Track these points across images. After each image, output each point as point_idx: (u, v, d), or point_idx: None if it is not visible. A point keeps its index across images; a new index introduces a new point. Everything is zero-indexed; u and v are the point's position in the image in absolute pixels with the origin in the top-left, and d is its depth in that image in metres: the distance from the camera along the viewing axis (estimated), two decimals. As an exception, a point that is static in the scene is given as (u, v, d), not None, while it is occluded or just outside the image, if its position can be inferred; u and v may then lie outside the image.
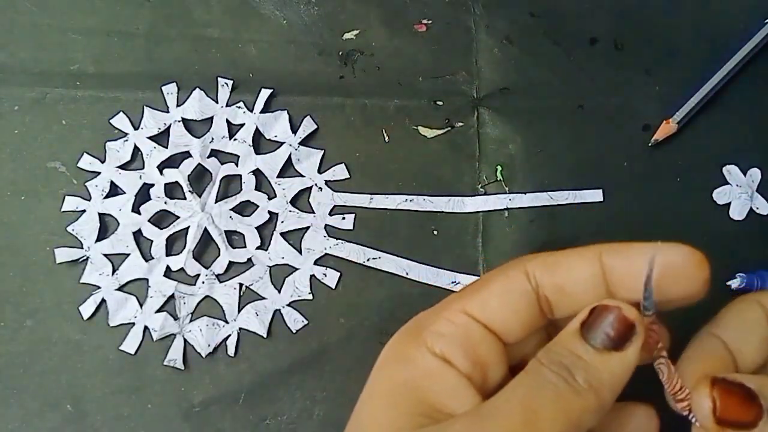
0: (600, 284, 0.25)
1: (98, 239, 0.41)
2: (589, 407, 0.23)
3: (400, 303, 0.42)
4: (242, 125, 0.43)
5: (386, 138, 0.44)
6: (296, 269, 0.42)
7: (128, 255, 0.41)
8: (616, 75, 0.46)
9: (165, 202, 0.41)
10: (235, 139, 0.43)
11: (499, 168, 0.44)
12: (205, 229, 0.41)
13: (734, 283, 0.42)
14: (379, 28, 0.45)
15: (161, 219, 0.42)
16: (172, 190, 0.42)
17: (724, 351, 0.27)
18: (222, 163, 0.42)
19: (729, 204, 0.44)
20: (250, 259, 0.42)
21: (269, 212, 0.42)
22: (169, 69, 0.43)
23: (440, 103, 0.44)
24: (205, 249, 0.42)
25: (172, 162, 0.42)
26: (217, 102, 0.43)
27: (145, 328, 0.40)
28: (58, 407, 0.40)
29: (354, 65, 0.45)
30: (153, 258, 0.41)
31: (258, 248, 0.42)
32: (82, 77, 0.43)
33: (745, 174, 0.44)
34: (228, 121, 0.43)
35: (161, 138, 0.42)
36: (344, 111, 0.44)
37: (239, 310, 0.41)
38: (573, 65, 0.45)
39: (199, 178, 0.42)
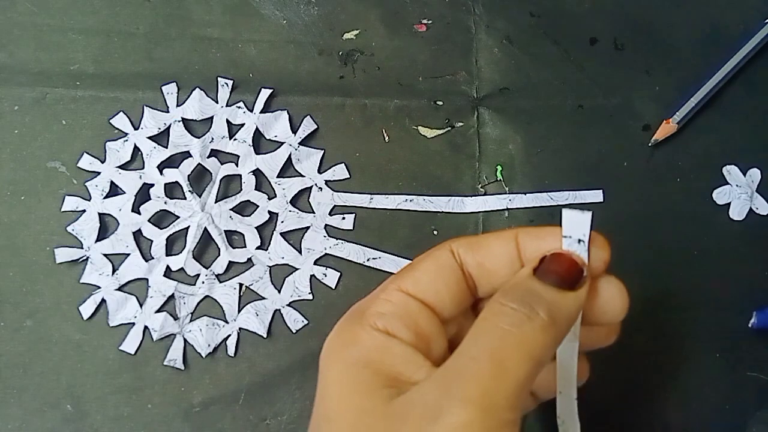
0: (515, 261, 0.28)
1: (98, 239, 0.41)
2: (550, 342, 0.24)
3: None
4: (242, 125, 0.43)
5: (386, 138, 0.44)
6: (296, 269, 0.42)
7: (128, 255, 0.41)
8: (616, 75, 0.46)
9: (165, 202, 0.41)
10: (235, 139, 0.43)
11: (499, 168, 0.44)
12: (205, 229, 0.41)
13: (751, 322, 0.42)
14: (379, 28, 0.45)
15: (161, 219, 0.42)
16: (172, 190, 0.42)
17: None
18: (222, 163, 0.42)
19: (729, 204, 0.44)
20: (250, 259, 0.42)
21: (269, 212, 0.42)
22: (169, 69, 0.43)
23: (440, 103, 0.44)
24: (205, 249, 0.42)
25: (172, 162, 0.42)
26: (217, 102, 0.43)
27: (145, 328, 0.40)
28: (58, 407, 0.40)
29: (354, 65, 0.45)
30: (153, 258, 0.41)
31: (258, 248, 0.42)
32: (82, 77, 0.43)
33: (745, 174, 0.44)
34: (228, 121, 0.43)
35: (161, 138, 0.42)
36: (344, 111, 0.44)
37: (239, 310, 0.41)
38: (573, 65, 0.45)
39: (199, 178, 0.42)
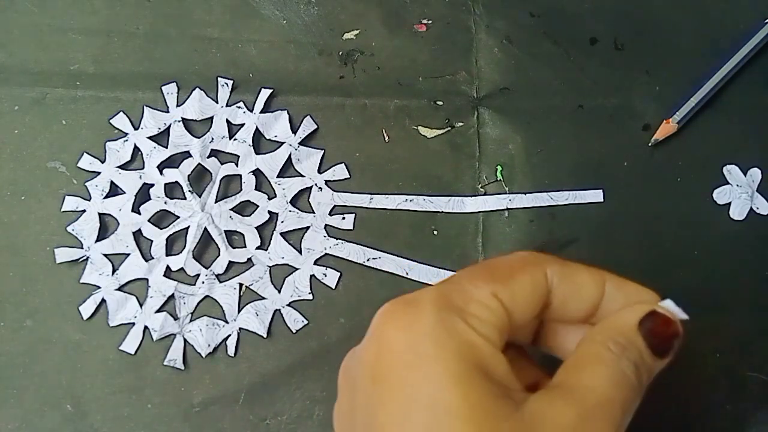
0: (594, 307, 0.27)
1: (98, 239, 0.41)
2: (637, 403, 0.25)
3: (402, 294, 0.42)
4: (242, 125, 0.43)
5: (386, 138, 0.44)
6: (296, 269, 0.42)
7: (128, 255, 0.41)
8: (616, 75, 0.45)
9: (165, 202, 0.41)
10: (235, 139, 0.43)
11: (499, 168, 0.44)
12: (205, 229, 0.41)
13: None
14: (379, 28, 0.45)
15: (161, 219, 0.42)
16: (172, 190, 0.42)
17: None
18: (222, 163, 0.42)
19: (729, 204, 0.44)
20: (250, 259, 0.42)
21: (269, 212, 0.42)
22: (169, 69, 0.43)
23: (440, 103, 0.44)
24: (205, 249, 0.42)
25: (172, 162, 0.42)
26: (217, 102, 0.43)
27: (145, 328, 0.40)
28: (58, 407, 0.40)
29: (354, 65, 0.45)
30: (153, 258, 0.41)
31: (258, 248, 0.42)
32: (82, 77, 0.43)
33: (745, 174, 0.44)
34: (228, 121, 0.43)
35: (161, 138, 0.42)
36: (344, 111, 0.44)
37: (239, 310, 0.41)
38: (573, 65, 0.45)
39: (199, 178, 0.42)
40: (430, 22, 0.45)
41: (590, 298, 0.27)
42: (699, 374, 0.42)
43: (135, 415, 0.40)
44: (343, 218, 0.42)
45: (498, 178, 0.44)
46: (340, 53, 0.45)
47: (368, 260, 0.42)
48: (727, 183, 0.44)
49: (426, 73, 0.45)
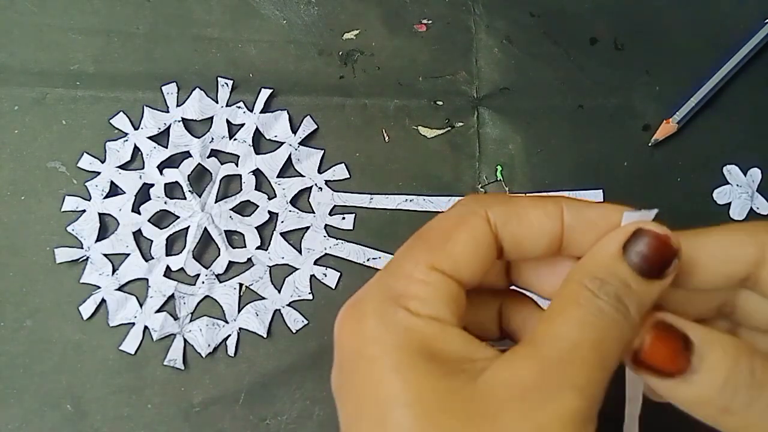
0: (556, 239, 0.25)
1: (98, 239, 0.41)
2: (633, 336, 0.23)
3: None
4: (242, 125, 0.43)
5: (386, 138, 0.44)
6: (296, 269, 0.42)
7: (128, 255, 0.41)
8: (616, 75, 0.45)
9: (165, 202, 0.41)
10: (235, 139, 0.43)
11: (499, 168, 0.44)
12: (205, 229, 0.41)
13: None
14: (379, 28, 0.45)
15: (161, 219, 0.42)
16: (172, 190, 0.42)
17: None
18: (222, 163, 0.42)
19: (729, 204, 0.44)
20: (250, 259, 0.42)
21: (269, 212, 0.42)
22: (169, 69, 0.43)
23: (440, 103, 0.44)
24: (205, 249, 0.42)
25: (172, 162, 0.42)
26: (217, 102, 0.43)
27: (145, 328, 0.40)
28: (58, 407, 0.40)
29: (354, 65, 0.45)
30: (153, 258, 0.41)
31: (258, 248, 0.42)
32: (82, 77, 0.43)
33: (745, 174, 0.44)
34: (228, 121, 0.43)
35: (161, 138, 0.42)
36: (344, 111, 0.44)
37: (239, 310, 0.41)
38: (573, 65, 0.45)
39: (199, 178, 0.42)
40: (430, 22, 0.45)
41: (546, 234, 0.24)
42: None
43: (135, 415, 0.40)
44: (343, 218, 0.42)
45: (498, 178, 0.44)
46: (340, 53, 0.45)
47: (368, 260, 0.42)
48: (727, 183, 0.44)
49: (426, 73, 0.45)
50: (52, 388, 0.40)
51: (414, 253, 0.24)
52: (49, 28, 0.44)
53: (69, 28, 0.44)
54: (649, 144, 0.44)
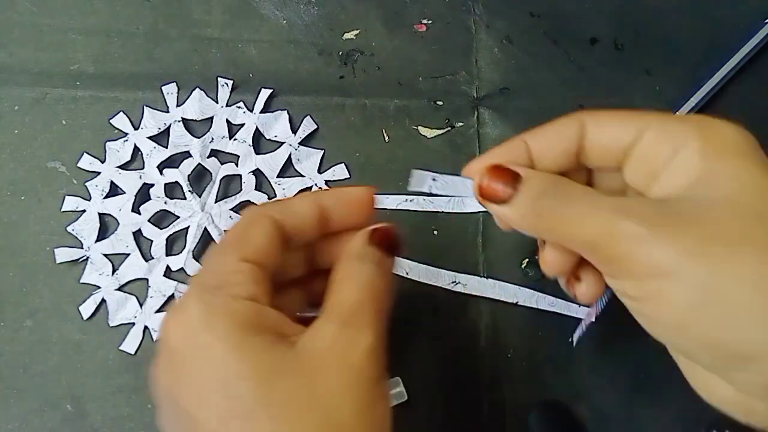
0: (323, 221, 0.31)
1: (98, 239, 0.41)
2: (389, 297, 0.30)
3: (399, 301, 0.42)
4: (242, 125, 0.43)
5: (386, 138, 0.44)
6: (296, 269, 0.42)
7: (128, 255, 0.41)
8: (616, 75, 0.46)
9: (165, 202, 0.41)
10: (235, 139, 0.43)
11: (499, 168, 0.44)
12: (205, 229, 0.41)
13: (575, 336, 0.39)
14: (379, 28, 0.45)
15: (161, 219, 0.42)
16: (172, 190, 0.42)
17: (522, 152, 0.32)
18: (222, 163, 0.42)
19: (729, 204, 0.44)
20: (249, 259, 0.41)
21: (271, 214, 0.42)
22: (169, 69, 0.43)
23: (440, 103, 0.44)
24: (205, 249, 0.42)
25: (172, 162, 0.42)
26: (217, 102, 0.43)
27: (145, 328, 0.40)
28: (58, 407, 0.40)
29: (354, 65, 0.45)
30: (153, 258, 0.41)
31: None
32: (82, 77, 0.43)
33: (745, 174, 0.44)
34: (228, 121, 0.43)
35: (161, 138, 0.42)
36: (344, 111, 0.44)
37: (239, 310, 0.41)
38: (573, 65, 0.45)
39: (199, 178, 0.42)
40: (430, 22, 0.45)
41: (310, 217, 0.31)
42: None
43: (135, 415, 0.40)
44: (343, 219, 0.42)
45: (498, 178, 0.44)
46: (340, 53, 0.45)
47: (368, 260, 0.42)
48: (727, 183, 0.44)
49: (426, 73, 0.45)
50: (52, 388, 0.40)
51: (223, 252, 0.29)
52: (49, 28, 0.44)
53: (69, 28, 0.44)
54: (650, 144, 0.44)
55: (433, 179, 0.33)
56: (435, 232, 0.43)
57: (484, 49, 0.45)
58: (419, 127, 0.44)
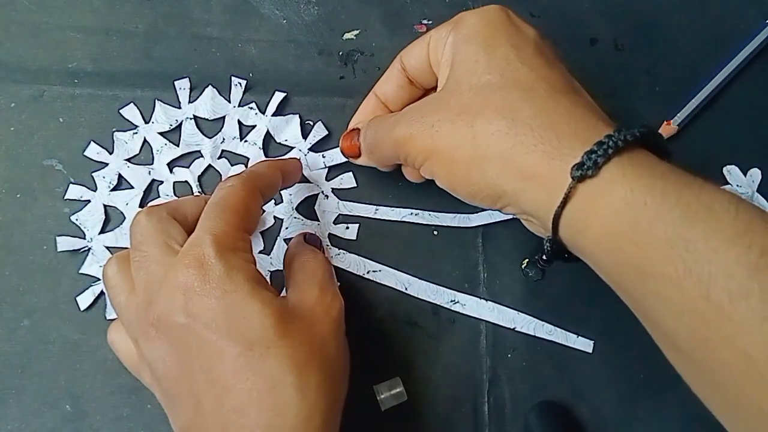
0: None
1: (101, 231, 0.41)
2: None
3: (399, 303, 0.42)
4: (253, 127, 0.43)
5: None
6: (297, 276, 0.41)
7: (132, 250, 0.41)
8: (616, 75, 0.46)
9: (175, 201, 0.41)
10: (245, 141, 0.42)
11: (499, 168, 0.44)
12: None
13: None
14: (379, 28, 0.45)
15: (168, 217, 0.41)
16: (181, 189, 0.42)
17: (376, 102, 0.40)
18: (232, 165, 0.42)
19: (729, 204, 0.44)
20: (252, 263, 0.41)
21: (275, 217, 0.42)
22: (169, 68, 0.43)
23: (440, 103, 0.44)
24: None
25: (182, 160, 0.42)
26: (229, 101, 0.43)
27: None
28: (57, 407, 0.39)
29: (354, 65, 0.45)
30: (156, 255, 0.41)
31: (260, 252, 0.41)
32: (80, 75, 0.43)
33: (745, 174, 0.44)
34: (239, 122, 0.43)
35: (172, 135, 0.42)
36: (344, 112, 0.44)
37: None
38: (573, 65, 0.45)
39: (209, 179, 0.42)
40: (430, 22, 0.45)
41: (274, 191, 0.38)
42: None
43: (134, 415, 0.39)
44: (347, 228, 0.42)
45: (498, 179, 0.44)
46: (341, 53, 0.45)
47: (368, 272, 0.42)
48: (727, 183, 0.44)
49: (426, 73, 0.45)
50: (51, 388, 0.39)
51: (235, 224, 0.33)
52: (48, 26, 0.43)
53: (67, 26, 0.43)
54: (649, 145, 0.44)
55: (323, 156, 0.43)
56: (435, 233, 0.43)
57: (484, 49, 0.45)
58: (419, 128, 0.44)
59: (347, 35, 0.45)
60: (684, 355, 0.29)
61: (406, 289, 0.42)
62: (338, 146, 0.42)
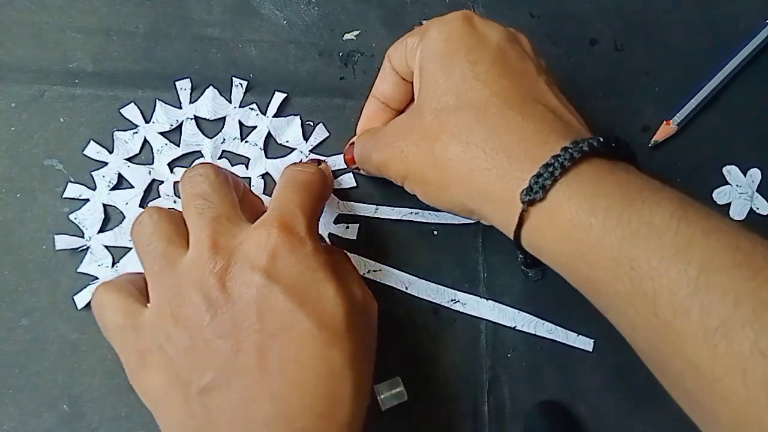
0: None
1: (100, 230, 0.41)
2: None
3: (399, 303, 0.42)
4: (254, 128, 0.43)
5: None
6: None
7: (130, 249, 0.41)
8: (616, 75, 0.46)
9: (174, 201, 0.41)
10: (246, 141, 0.42)
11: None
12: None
13: None
14: (380, 28, 0.45)
15: (169, 218, 0.41)
16: (182, 189, 0.42)
17: (378, 105, 0.40)
18: (232, 165, 0.42)
19: (729, 204, 0.44)
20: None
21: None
22: (169, 68, 0.43)
23: (440, 104, 0.44)
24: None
25: (183, 160, 0.42)
26: (230, 102, 0.43)
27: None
28: (55, 407, 0.39)
29: (354, 66, 0.45)
30: (155, 255, 0.41)
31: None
32: (80, 75, 0.43)
33: (745, 174, 0.44)
34: (240, 123, 0.43)
35: (173, 135, 0.42)
36: (344, 112, 0.44)
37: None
38: (573, 65, 0.45)
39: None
40: (430, 22, 0.45)
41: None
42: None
43: (133, 416, 0.39)
44: (347, 227, 0.42)
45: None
46: (341, 54, 0.45)
47: (368, 272, 0.42)
48: (727, 183, 0.44)
49: (426, 74, 0.45)
50: (49, 388, 0.39)
51: (313, 206, 0.34)
52: (48, 26, 0.43)
53: (68, 27, 0.43)
54: (649, 145, 0.44)
55: (324, 161, 0.43)
56: (435, 232, 0.43)
57: (484, 49, 0.45)
58: (419, 128, 0.44)
59: (347, 36, 0.45)
60: (648, 363, 0.30)
61: (406, 288, 0.42)
62: (340, 152, 0.42)
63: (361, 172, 0.41)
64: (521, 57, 0.35)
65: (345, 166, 0.42)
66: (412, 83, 0.38)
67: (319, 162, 0.42)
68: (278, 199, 0.34)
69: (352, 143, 0.41)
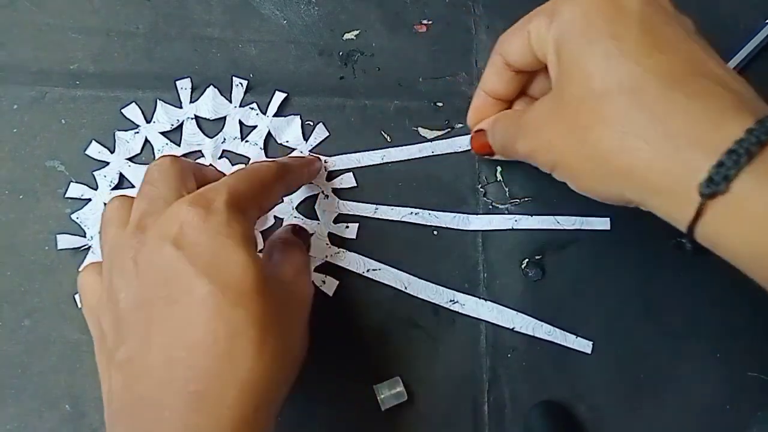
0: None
1: (102, 229, 0.41)
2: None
3: (399, 303, 0.42)
4: (254, 127, 0.43)
5: (387, 139, 0.43)
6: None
7: (131, 248, 0.41)
8: (616, 75, 0.45)
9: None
10: (246, 141, 0.42)
11: (498, 168, 0.44)
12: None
13: None
14: (379, 28, 0.45)
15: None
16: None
17: (486, 98, 0.39)
18: (233, 165, 0.42)
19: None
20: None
21: (275, 217, 0.42)
22: (169, 69, 0.43)
23: (440, 104, 0.44)
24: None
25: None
26: (230, 102, 0.43)
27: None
28: (57, 407, 0.39)
29: (354, 66, 0.45)
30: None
31: (260, 251, 0.41)
32: (81, 76, 0.43)
33: (744, 174, 0.44)
34: (240, 122, 0.43)
35: (173, 134, 0.42)
36: (344, 112, 0.44)
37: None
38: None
39: (211, 178, 0.42)
40: (430, 22, 0.45)
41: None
42: (699, 374, 0.42)
43: (134, 416, 0.39)
44: (347, 227, 0.42)
45: (498, 179, 0.44)
46: (341, 54, 0.45)
47: (368, 271, 0.42)
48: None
49: (426, 74, 0.45)
50: (51, 388, 0.40)
51: (252, 189, 0.33)
52: (49, 27, 0.43)
53: (69, 28, 0.44)
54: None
55: (326, 160, 0.42)
56: (435, 232, 0.43)
57: (484, 50, 0.45)
58: (419, 128, 0.44)
59: (347, 35, 0.45)
60: None
61: (406, 288, 0.42)
62: (340, 152, 0.43)
63: (497, 157, 0.40)
64: (667, 20, 0.30)
65: (345, 167, 0.43)
66: (526, 73, 0.37)
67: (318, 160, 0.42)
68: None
69: (480, 130, 0.40)
